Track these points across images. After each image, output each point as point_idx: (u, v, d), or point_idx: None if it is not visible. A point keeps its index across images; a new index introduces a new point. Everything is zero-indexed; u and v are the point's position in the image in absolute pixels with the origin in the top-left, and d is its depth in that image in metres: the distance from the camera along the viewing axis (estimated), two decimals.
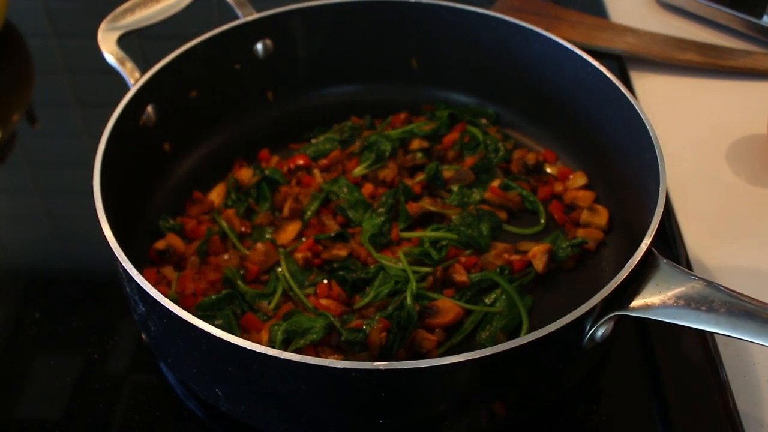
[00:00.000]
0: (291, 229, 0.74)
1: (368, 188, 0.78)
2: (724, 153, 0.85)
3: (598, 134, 0.76)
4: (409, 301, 0.66)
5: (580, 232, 0.73)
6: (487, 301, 0.68)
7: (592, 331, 0.54)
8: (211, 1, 1.09)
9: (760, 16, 0.97)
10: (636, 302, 0.53)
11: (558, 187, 0.79)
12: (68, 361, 0.67)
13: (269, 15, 0.81)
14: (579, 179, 0.79)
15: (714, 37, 1.00)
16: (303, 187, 0.78)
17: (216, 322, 0.65)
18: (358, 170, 0.80)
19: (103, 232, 0.57)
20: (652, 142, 0.64)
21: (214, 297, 0.66)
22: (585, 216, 0.74)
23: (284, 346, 0.63)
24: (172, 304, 0.52)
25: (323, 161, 0.81)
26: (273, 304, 0.67)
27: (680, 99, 0.93)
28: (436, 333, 0.65)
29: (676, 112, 0.91)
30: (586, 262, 0.72)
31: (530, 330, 0.66)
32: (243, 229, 0.74)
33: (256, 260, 0.70)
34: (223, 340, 0.49)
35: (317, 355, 0.63)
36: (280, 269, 0.70)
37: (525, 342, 0.50)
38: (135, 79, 0.72)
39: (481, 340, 0.65)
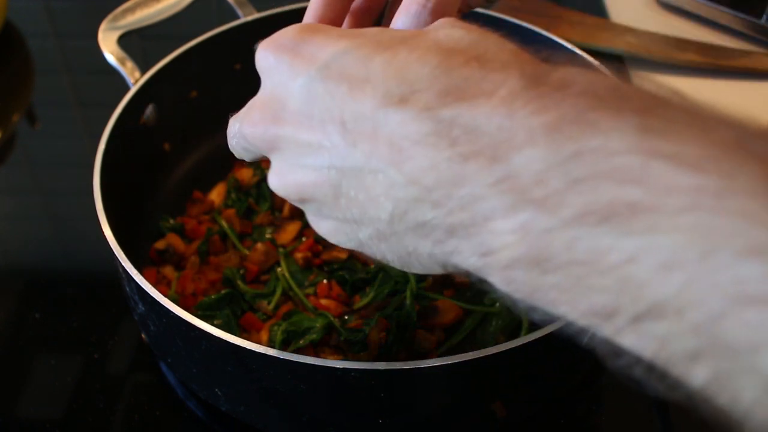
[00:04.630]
0: (291, 229, 0.74)
1: None
2: None
3: None
4: (408, 301, 0.66)
5: None
6: (486, 301, 0.68)
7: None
8: (211, 1, 1.09)
9: (760, 16, 0.97)
10: None
11: None
12: (68, 360, 0.67)
13: (270, 15, 0.81)
14: None
15: (714, 37, 1.00)
16: None
17: (215, 322, 0.65)
18: None
19: (103, 232, 0.57)
20: None
21: (213, 297, 0.66)
22: None
23: (284, 346, 0.63)
24: (172, 303, 0.52)
25: None
26: (273, 304, 0.67)
27: None
28: (436, 333, 0.65)
29: None
30: None
31: (530, 330, 0.66)
32: (243, 228, 0.74)
33: (256, 260, 0.70)
34: (223, 339, 0.49)
35: (317, 355, 0.63)
36: (280, 269, 0.70)
37: (525, 342, 0.50)
38: (135, 79, 0.72)
39: (481, 341, 0.65)
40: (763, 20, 0.97)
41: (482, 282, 0.34)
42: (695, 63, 0.95)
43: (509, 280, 0.32)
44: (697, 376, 0.27)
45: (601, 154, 0.28)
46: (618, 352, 0.30)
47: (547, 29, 0.78)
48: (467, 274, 0.35)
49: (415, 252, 0.37)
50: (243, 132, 0.44)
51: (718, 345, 0.26)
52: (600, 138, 0.29)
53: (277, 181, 0.42)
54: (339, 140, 0.36)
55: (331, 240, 0.42)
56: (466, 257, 0.33)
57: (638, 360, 0.29)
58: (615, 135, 0.29)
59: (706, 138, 0.28)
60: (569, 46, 0.76)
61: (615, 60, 0.98)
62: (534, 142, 0.30)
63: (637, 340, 0.28)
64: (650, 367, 0.29)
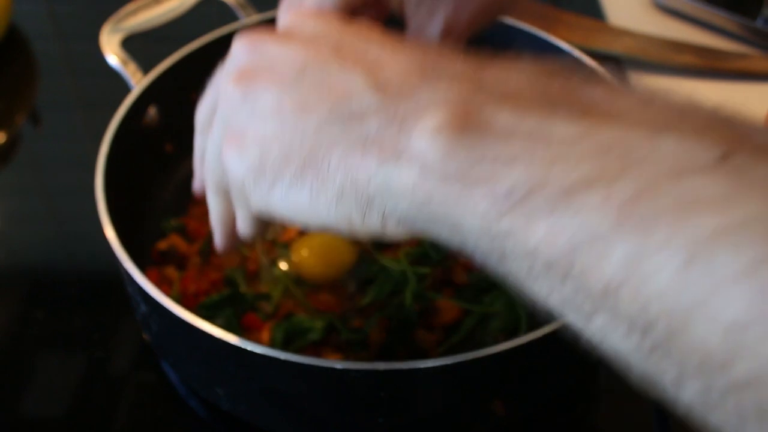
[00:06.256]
0: (291, 229, 0.74)
1: None
2: None
3: None
4: (408, 301, 0.66)
5: None
6: (486, 301, 0.68)
7: None
8: (212, 3, 1.09)
9: (755, 19, 0.97)
10: None
11: None
12: (71, 360, 0.67)
13: (270, 17, 0.81)
14: None
15: (710, 39, 1.01)
16: None
17: (217, 322, 0.65)
18: None
19: (105, 233, 0.57)
20: None
21: (215, 297, 0.66)
22: None
23: (285, 346, 0.63)
24: (174, 304, 0.52)
25: None
26: (273, 304, 0.68)
27: None
28: (436, 333, 0.66)
29: None
30: None
31: (529, 330, 0.66)
32: None
33: (258, 260, 0.71)
34: (224, 340, 0.50)
35: (317, 355, 0.63)
36: None
37: (525, 342, 0.50)
38: (138, 81, 0.73)
39: (481, 341, 0.66)
40: (758, 23, 0.97)
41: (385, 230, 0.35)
42: (692, 65, 0.95)
43: (424, 164, 0.32)
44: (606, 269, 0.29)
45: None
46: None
47: (546, 31, 0.79)
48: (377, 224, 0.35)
49: (332, 171, 0.35)
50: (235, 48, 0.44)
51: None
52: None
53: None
54: (326, 50, 0.38)
55: (252, 185, 0.40)
56: (391, 139, 0.34)
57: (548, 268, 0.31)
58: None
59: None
60: (568, 48, 0.77)
61: (613, 62, 0.98)
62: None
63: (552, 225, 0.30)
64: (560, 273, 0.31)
